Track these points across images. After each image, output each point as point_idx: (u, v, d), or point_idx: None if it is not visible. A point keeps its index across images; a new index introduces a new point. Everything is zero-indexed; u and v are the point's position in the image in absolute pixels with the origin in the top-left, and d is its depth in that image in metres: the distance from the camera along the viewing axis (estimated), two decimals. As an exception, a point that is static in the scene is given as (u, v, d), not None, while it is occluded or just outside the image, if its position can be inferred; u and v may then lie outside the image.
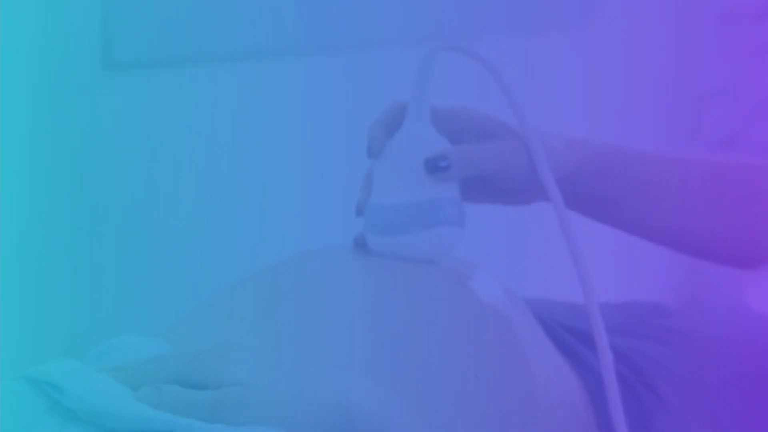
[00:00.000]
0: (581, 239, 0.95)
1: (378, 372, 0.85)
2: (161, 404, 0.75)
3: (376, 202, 0.98)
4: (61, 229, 1.19)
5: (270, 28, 1.35)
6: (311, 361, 0.82)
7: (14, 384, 0.78)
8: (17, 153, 1.15)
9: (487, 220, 1.28)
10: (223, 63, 1.32)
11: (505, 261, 1.49)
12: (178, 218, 1.30)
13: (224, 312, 0.92)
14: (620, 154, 1.03)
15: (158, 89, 1.27)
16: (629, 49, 1.80)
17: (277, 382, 0.77)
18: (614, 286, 1.34)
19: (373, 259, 0.97)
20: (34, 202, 1.17)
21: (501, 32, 1.61)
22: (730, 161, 1.06)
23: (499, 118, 0.99)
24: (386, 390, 0.82)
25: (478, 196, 1.02)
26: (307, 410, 0.77)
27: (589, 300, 0.93)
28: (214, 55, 1.31)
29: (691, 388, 1.05)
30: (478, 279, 0.97)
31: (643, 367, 1.06)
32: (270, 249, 1.34)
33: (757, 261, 1.07)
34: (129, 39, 1.22)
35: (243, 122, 1.35)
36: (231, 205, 1.35)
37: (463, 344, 0.91)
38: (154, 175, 1.27)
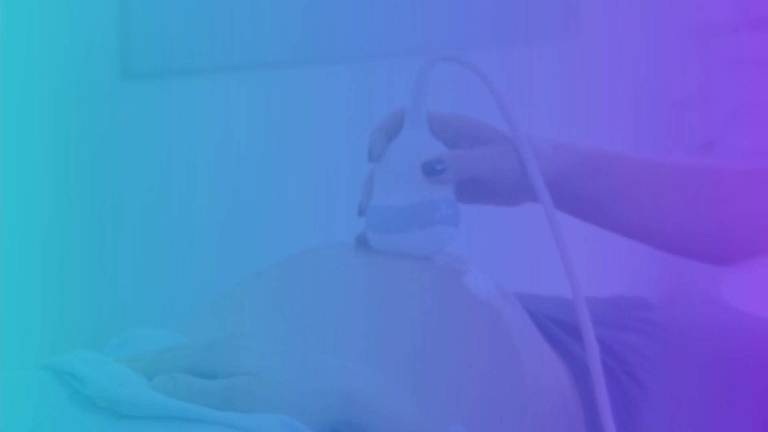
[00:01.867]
0: (568, 238, 0.94)
1: (378, 360, 0.85)
2: (175, 392, 0.75)
3: (377, 203, 0.98)
4: (81, 229, 1.19)
5: (278, 40, 1.34)
6: (316, 351, 0.82)
7: (37, 373, 0.77)
8: (38, 161, 1.15)
9: (481, 220, 1.27)
10: (235, 72, 1.31)
11: (497, 258, 1.49)
12: (191, 218, 1.30)
13: (235, 305, 0.92)
14: (604, 158, 1.02)
15: (173, 98, 1.26)
16: (611, 59, 1.80)
17: (284, 371, 0.77)
18: (599, 281, 1.34)
19: (374, 256, 0.97)
20: (55, 204, 1.17)
21: (493, 44, 1.61)
22: (706, 164, 1.05)
23: (492, 124, 0.99)
24: (386, 377, 0.82)
25: (471, 197, 1.01)
26: (312, 397, 0.76)
27: (576, 294, 0.92)
28: (226, 65, 1.30)
29: (670, 376, 1.05)
30: (472, 274, 0.97)
31: (626, 357, 1.05)
32: (278, 246, 1.33)
33: (732, 258, 1.07)
34: (146, 50, 1.22)
35: (253, 128, 1.34)
36: (242, 205, 1.34)
37: (457, 335, 0.91)
38: (169, 177, 1.27)
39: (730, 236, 1.05)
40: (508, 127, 0.97)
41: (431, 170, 0.95)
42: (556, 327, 1.06)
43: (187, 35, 1.25)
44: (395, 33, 1.47)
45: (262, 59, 1.34)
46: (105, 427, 0.73)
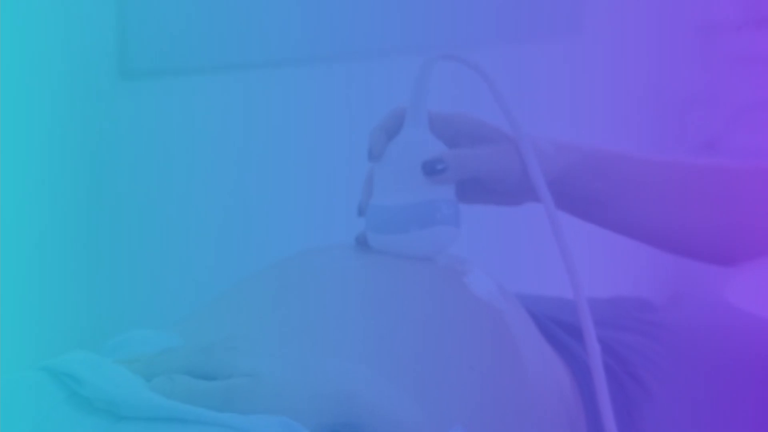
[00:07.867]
0: (570, 238, 0.95)
1: (378, 362, 0.85)
2: (173, 394, 0.75)
3: (377, 203, 0.98)
4: (78, 229, 1.19)
5: (277, 38, 1.34)
6: (316, 353, 0.82)
7: (35, 374, 0.77)
8: (35, 161, 1.15)
9: (482, 220, 1.28)
10: (233, 71, 1.32)
11: (498, 258, 1.49)
12: (190, 219, 1.30)
13: (234, 306, 0.92)
14: (607, 157, 1.02)
15: (171, 97, 1.26)
16: (614, 58, 1.80)
17: (284, 372, 0.77)
18: (601, 282, 1.34)
19: (374, 257, 0.97)
20: (52, 204, 1.17)
21: (494, 42, 1.61)
22: (710, 164, 1.06)
23: (493, 123, 0.99)
24: (386, 379, 0.82)
25: (473, 197, 1.02)
26: (312, 399, 0.77)
27: (578, 295, 0.93)
28: (225, 64, 1.31)
29: (673, 377, 1.05)
30: (473, 275, 0.97)
31: (628, 358, 1.05)
32: (277, 247, 1.33)
33: (737, 258, 1.07)
34: (144, 48, 1.22)
35: (252, 127, 1.34)
36: (240, 205, 1.34)
37: (459, 336, 0.91)
38: (167, 177, 1.27)
39: (734, 236, 1.05)
40: (509, 127, 0.98)
41: (432, 170, 0.95)
42: (558, 328, 1.06)
43: (185, 34, 1.25)
44: (395, 31, 1.47)
45: (261, 58, 1.34)
46: (103, 428, 0.73)
